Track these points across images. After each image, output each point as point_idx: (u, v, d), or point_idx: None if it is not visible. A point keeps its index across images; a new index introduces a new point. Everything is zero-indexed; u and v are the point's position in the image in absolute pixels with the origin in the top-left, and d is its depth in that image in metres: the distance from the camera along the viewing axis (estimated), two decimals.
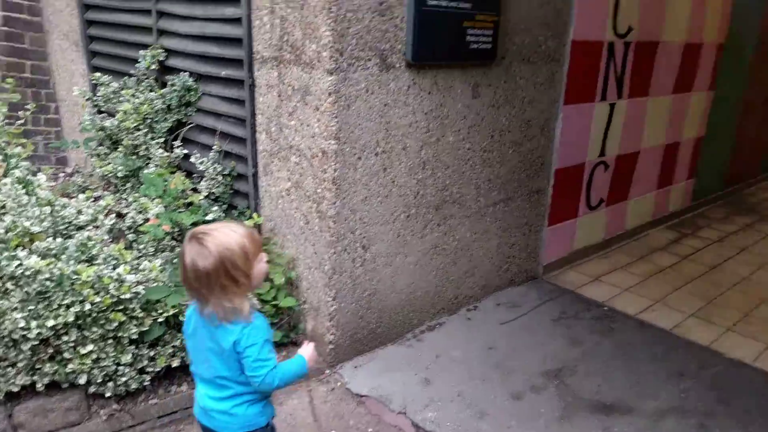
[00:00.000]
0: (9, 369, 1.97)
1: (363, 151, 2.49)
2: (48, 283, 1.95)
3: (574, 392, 2.60)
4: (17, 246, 1.98)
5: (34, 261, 1.93)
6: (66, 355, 2.04)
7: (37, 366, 2.02)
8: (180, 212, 2.58)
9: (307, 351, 1.71)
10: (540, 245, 3.63)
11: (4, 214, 2.07)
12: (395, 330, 2.89)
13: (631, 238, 4.47)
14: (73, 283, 1.97)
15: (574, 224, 3.84)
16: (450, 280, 3.10)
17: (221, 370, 1.57)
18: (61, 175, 3.93)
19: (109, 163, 2.95)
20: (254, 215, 2.75)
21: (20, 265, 1.91)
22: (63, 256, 2.08)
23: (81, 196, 2.50)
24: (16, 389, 2.00)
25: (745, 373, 2.82)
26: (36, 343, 1.97)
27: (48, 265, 1.94)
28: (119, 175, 2.93)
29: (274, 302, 2.55)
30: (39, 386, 2.03)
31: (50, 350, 2.03)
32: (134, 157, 2.93)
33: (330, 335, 2.61)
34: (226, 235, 1.50)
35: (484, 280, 3.32)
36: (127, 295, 2.07)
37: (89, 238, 2.16)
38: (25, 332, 1.93)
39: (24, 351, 1.96)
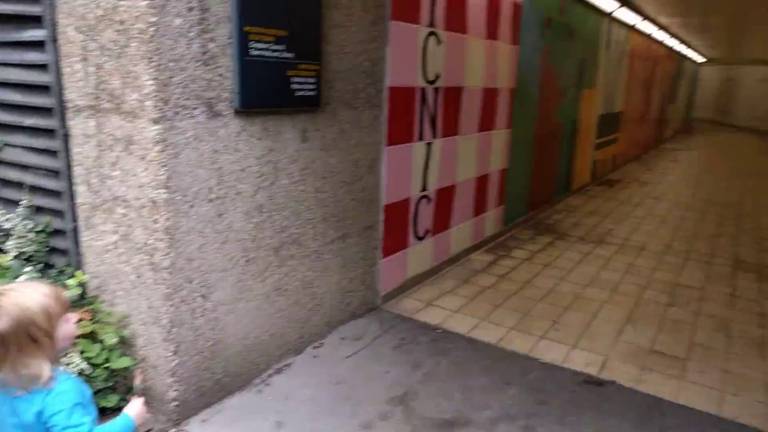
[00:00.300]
0: None
1: (195, 199, 2.46)
2: None
3: (419, 414, 2.76)
4: None
5: None
6: None
7: None
8: None
9: (133, 408, 1.64)
10: (377, 277, 3.83)
11: None
12: (242, 377, 2.83)
13: (455, 263, 4.89)
14: None
15: (405, 255, 4.12)
16: (294, 321, 3.13)
17: None
18: None
19: None
20: (77, 273, 2.54)
21: None
22: None
23: None
24: None
25: (557, 374, 3.23)
26: None
27: None
28: None
29: (106, 365, 2.36)
30: None
31: None
32: None
33: (173, 392, 2.48)
34: (24, 295, 1.42)
35: (328, 316, 3.40)
36: None
37: None
38: None
39: None
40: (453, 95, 4.43)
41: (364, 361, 3.18)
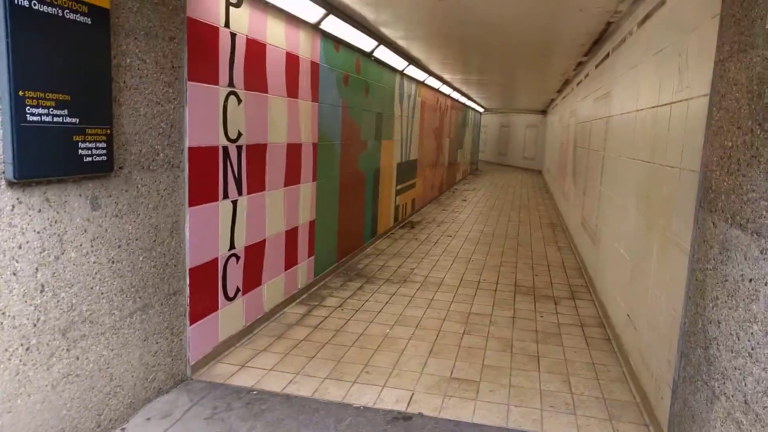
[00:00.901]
0: None
1: None
2: None
3: None
4: None
5: None
6: None
7: None
8: None
9: None
10: (184, 346, 3.63)
11: None
12: None
13: (269, 319, 4.85)
14: None
15: (215, 318, 3.98)
16: (89, 409, 2.82)
17: None
18: None
19: None
20: None
21: None
22: None
23: None
24: None
25: (369, 416, 3.36)
26: None
27: None
28: None
29: None
30: None
31: None
32: None
33: None
34: None
35: (130, 396, 3.13)
36: None
37: None
38: None
39: None
40: (257, 152, 4.47)
41: None
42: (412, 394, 3.67)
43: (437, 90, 12.63)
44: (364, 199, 7.60)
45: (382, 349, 4.39)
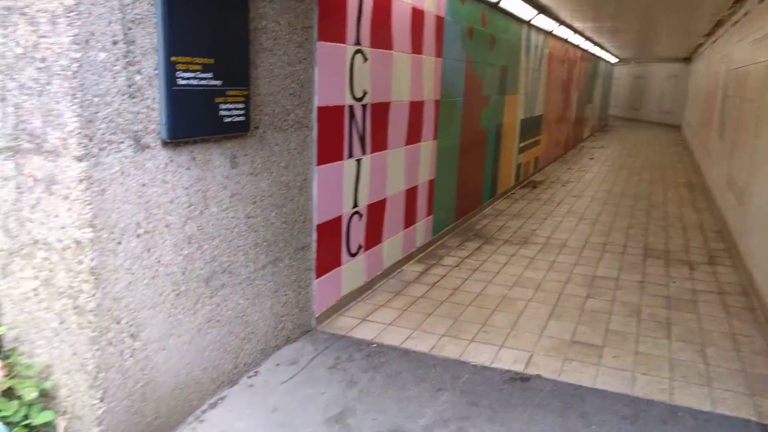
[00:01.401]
0: None
1: (123, 235, 2.37)
2: None
3: (357, 431, 2.81)
4: None
5: None
6: None
7: None
8: None
9: None
10: (311, 298, 3.83)
11: None
12: (175, 417, 2.76)
13: (388, 276, 4.97)
14: None
15: (339, 273, 4.14)
16: (228, 351, 3.08)
17: None
18: None
19: None
20: None
21: None
22: None
23: None
24: None
25: (487, 375, 3.37)
26: None
27: None
28: None
29: (26, 422, 2.23)
30: None
31: None
32: None
33: None
34: None
35: (262, 343, 3.37)
36: None
37: None
38: None
39: None
40: (380, 111, 4.48)
41: (300, 385, 3.19)
42: (531, 355, 3.62)
43: (566, 40, 11.85)
44: (484, 157, 7.42)
45: (500, 309, 4.35)
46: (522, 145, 9.38)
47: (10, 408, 2.23)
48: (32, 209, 2.28)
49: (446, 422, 2.89)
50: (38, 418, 2.25)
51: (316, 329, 3.90)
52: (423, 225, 5.64)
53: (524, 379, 3.34)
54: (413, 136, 5.14)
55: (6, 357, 2.40)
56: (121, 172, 2.33)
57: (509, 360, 3.56)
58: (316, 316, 3.90)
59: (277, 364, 3.40)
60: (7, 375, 2.31)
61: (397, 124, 4.79)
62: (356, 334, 3.86)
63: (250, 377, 3.25)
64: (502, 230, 6.75)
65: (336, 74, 3.81)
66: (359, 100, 4.14)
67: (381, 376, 3.33)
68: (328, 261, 3.98)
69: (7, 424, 2.19)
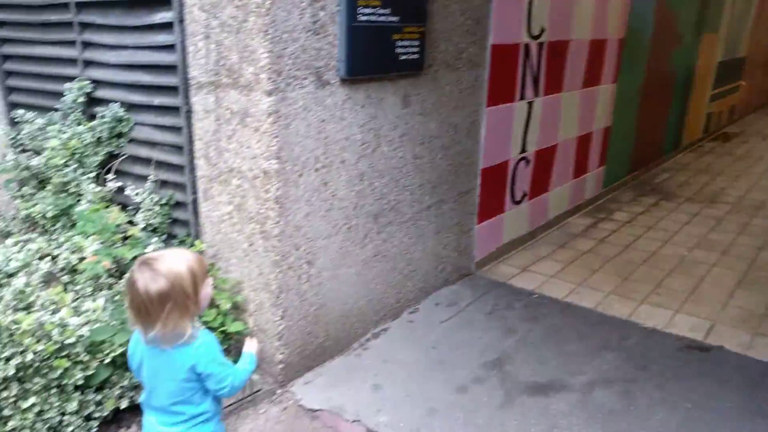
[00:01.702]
0: None
1: (304, 168, 2.51)
2: None
3: (513, 378, 2.78)
4: None
5: None
6: (5, 412, 1.94)
7: None
8: (118, 247, 2.49)
9: (252, 346, 1.83)
10: (472, 243, 3.80)
11: None
12: (343, 341, 2.95)
13: (553, 227, 4.75)
14: (12, 334, 1.87)
15: (501, 220, 4.05)
16: (391, 286, 3.19)
17: (174, 396, 1.62)
18: None
19: (36, 204, 2.78)
20: (196, 243, 2.70)
21: None
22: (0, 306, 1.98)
23: (9, 242, 2.35)
24: None
25: (658, 339, 3.12)
26: None
27: None
28: (48, 215, 2.76)
29: (222, 328, 2.53)
30: None
31: None
32: (64, 194, 2.77)
33: (279, 354, 2.63)
34: (175, 260, 1.56)
35: (423, 282, 3.44)
36: (71, 340, 1.99)
37: (27, 285, 2.06)
38: None
39: None
40: (557, 49, 4.17)
41: (458, 327, 3.22)
42: (713, 324, 3.27)
43: None
44: (669, 105, 6.66)
45: (677, 271, 3.97)
46: (715, 91, 8.24)
47: (210, 314, 2.53)
48: (228, 140, 2.50)
49: (610, 383, 2.74)
50: (231, 327, 2.53)
51: (475, 274, 3.88)
52: (594, 176, 5.27)
53: (703, 349, 3.03)
54: (591, 78, 4.74)
55: (207, 271, 2.71)
56: (304, 107, 2.45)
57: (686, 326, 3.25)
58: (476, 261, 3.87)
59: (437, 304, 3.46)
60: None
61: (575, 64, 4.44)
62: (516, 283, 3.78)
63: (410, 313, 3.35)
64: (684, 186, 6.09)
65: (513, 10, 3.59)
66: (536, 38, 3.88)
67: (540, 328, 3.24)
68: (490, 207, 3.89)
69: (209, 329, 2.49)
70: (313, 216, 2.61)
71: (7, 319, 1.88)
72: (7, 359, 1.88)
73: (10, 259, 2.25)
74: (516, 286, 3.73)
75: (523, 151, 4.10)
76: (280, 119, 2.35)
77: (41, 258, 2.43)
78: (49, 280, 2.38)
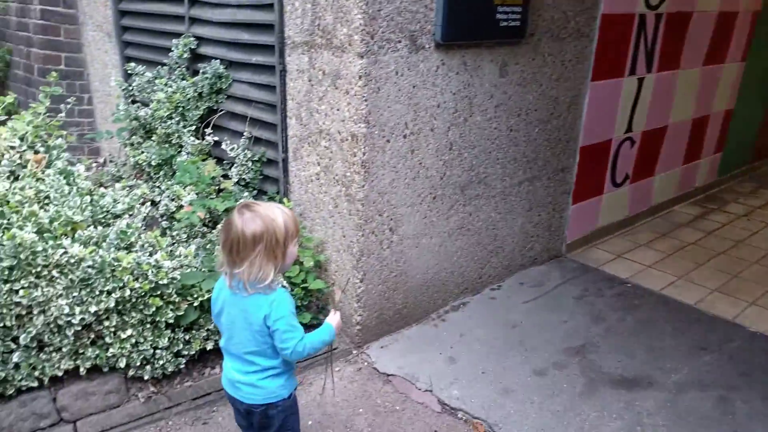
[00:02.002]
0: (53, 354, 2.05)
1: (392, 134, 2.49)
2: (90, 270, 2.01)
3: (597, 368, 2.64)
4: (62, 235, 2.03)
5: (77, 249, 1.99)
6: (107, 339, 2.11)
7: (80, 350, 2.10)
8: (212, 199, 2.61)
9: (334, 319, 1.79)
10: (564, 224, 3.63)
11: (47, 204, 2.12)
12: (420, 310, 2.94)
13: (655, 214, 4.43)
14: (113, 270, 2.03)
15: (598, 202, 3.82)
16: (474, 260, 3.13)
17: (249, 345, 1.66)
18: (94, 165, 3.99)
19: (143, 152, 2.97)
20: (284, 200, 2.78)
21: (65, 253, 1.97)
22: (104, 244, 2.14)
23: (117, 186, 2.54)
24: (60, 374, 2.08)
25: (766, 346, 2.84)
26: (79, 328, 2.05)
27: (90, 252, 2.00)
28: (153, 163, 2.96)
29: (303, 285, 2.60)
30: (81, 370, 2.12)
31: (92, 335, 2.10)
32: (167, 145, 2.94)
33: (357, 316, 2.66)
34: (274, 210, 1.62)
35: (508, 259, 3.34)
36: (164, 281, 2.13)
37: (128, 226, 2.21)
38: (69, 318, 2.00)
39: (68, 336, 2.04)
40: (678, 22, 3.82)
41: (542, 309, 3.10)
42: None
43: None
44: None
45: None
46: None
47: (294, 271, 2.60)
48: (320, 101, 2.52)
49: (705, 386, 2.53)
50: (312, 284, 2.59)
51: (565, 256, 3.71)
52: (707, 163, 4.84)
53: None
54: (714, 54, 4.31)
55: (297, 231, 2.78)
56: (396, 71, 2.41)
57: None
58: (567, 243, 3.70)
59: (521, 283, 3.35)
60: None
61: (697, 38, 4.06)
62: (609, 269, 3.58)
63: (492, 290, 3.27)
64: None
65: None
66: (654, 8, 3.57)
67: (632, 319, 3.04)
68: (587, 187, 3.68)
69: (290, 283, 2.57)
70: (398, 183, 2.59)
71: (109, 257, 2.03)
72: (109, 292, 2.04)
73: (117, 202, 2.42)
74: (608, 273, 3.53)
75: (629, 130, 3.83)
76: (370, 82, 2.34)
77: (144, 203, 2.60)
78: (150, 224, 2.55)
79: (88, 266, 2.00)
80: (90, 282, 2.03)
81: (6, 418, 2.04)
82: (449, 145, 2.75)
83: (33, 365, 2.03)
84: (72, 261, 1.98)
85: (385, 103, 2.41)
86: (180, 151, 2.92)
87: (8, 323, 1.93)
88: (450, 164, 2.80)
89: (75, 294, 2.01)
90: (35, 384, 2.06)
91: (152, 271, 2.11)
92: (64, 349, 2.06)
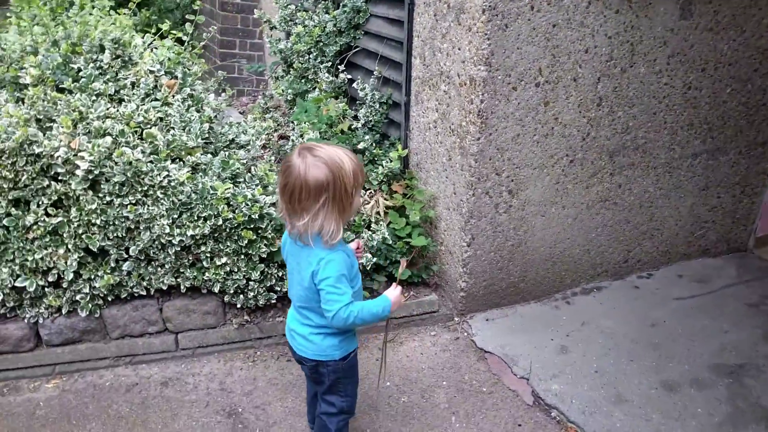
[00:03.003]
0: (159, 268, 2.20)
1: (520, 81, 2.14)
2: (192, 195, 2.08)
3: (752, 398, 2.09)
4: (169, 158, 2.13)
5: (179, 173, 2.07)
6: (204, 263, 2.20)
7: (181, 270, 2.22)
8: (328, 139, 2.55)
9: (393, 293, 1.60)
10: (755, 211, 2.90)
11: (170, 128, 2.24)
12: (541, 287, 2.59)
13: None
14: (211, 198, 2.08)
15: None
16: (619, 241, 2.65)
17: (301, 300, 1.57)
18: (244, 97, 4.22)
19: (280, 86, 3.00)
20: (398, 147, 2.59)
21: (168, 176, 2.06)
22: (210, 172, 2.20)
23: (249, 117, 2.59)
24: (164, 287, 2.23)
25: None
26: (179, 249, 2.16)
27: (189, 178, 2.07)
28: (288, 98, 2.97)
29: (407, 239, 2.43)
30: (182, 288, 2.24)
31: (191, 257, 2.20)
32: (303, 80, 2.92)
33: (462, 282, 2.43)
34: (341, 154, 1.44)
35: (666, 245, 2.78)
36: (257, 215, 2.12)
37: (229, 156, 2.24)
38: (170, 238, 2.11)
39: (170, 254, 2.16)
40: None
41: (698, 311, 2.54)
42: None
43: None
44: None
45: None
46: None
47: (400, 223, 2.45)
48: (442, 38, 2.25)
49: None
50: (416, 240, 2.41)
51: (750, 251, 2.99)
52: None
53: None
54: None
55: (408, 178, 2.60)
56: (531, 5, 2.04)
57: None
58: (757, 236, 2.96)
59: (679, 276, 2.78)
60: (404, 194, 2.52)
61: None
62: None
63: (639, 278, 2.76)
64: None
65: None
66: None
67: None
68: None
69: (394, 236, 2.41)
70: (524, 139, 2.25)
71: (208, 184, 2.08)
72: (205, 219, 2.10)
73: (243, 132, 2.48)
74: None
75: None
76: (495, 18, 2.00)
77: (268, 136, 2.62)
78: (281, 158, 2.56)
79: (190, 191, 2.07)
80: (191, 206, 2.11)
81: (122, 318, 2.26)
82: (597, 100, 2.30)
83: (142, 276, 2.20)
84: (174, 184, 2.06)
85: (513, 43, 2.07)
86: (315, 87, 2.86)
87: (120, 234, 2.10)
88: (597, 123, 2.35)
89: (175, 216, 2.10)
90: (144, 293, 2.24)
91: (247, 204, 2.11)
92: (166, 266, 2.19)
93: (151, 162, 2.07)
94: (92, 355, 2.28)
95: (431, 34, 2.32)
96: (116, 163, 2.01)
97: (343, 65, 2.91)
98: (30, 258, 2.07)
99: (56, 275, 2.12)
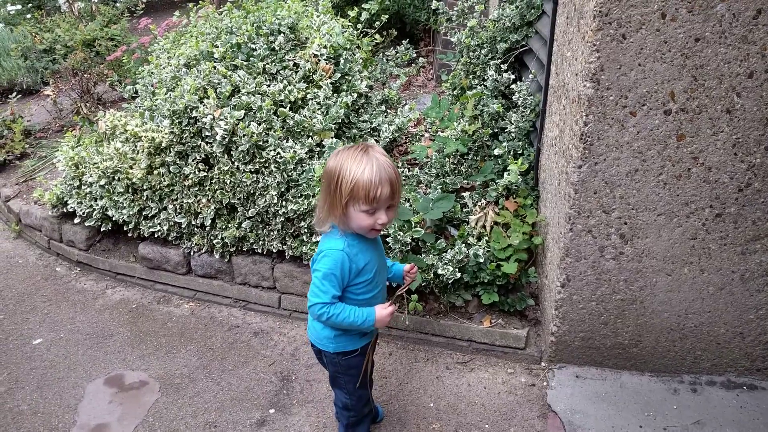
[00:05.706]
0: (271, 233, 2.48)
1: (641, 104, 1.73)
2: (295, 174, 2.29)
3: None
4: (289, 137, 2.37)
5: (287, 153, 2.29)
6: (303, 238, 2.40)
7: (286, 239, 2.46)
8: (447, 138, 2.45)
9: (382, 311, 1.57)
10: None
11: (299, 109, 2.44)
12: (664, 360, 2.08)
13: None
14: (310, 179, 2.25)
15: None
16: None
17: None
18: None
19: (448, 80, 2.94)
20: (518, 160, 2.30)
21: (278, 153, 2.31)
22: (326, 155, 2.38)
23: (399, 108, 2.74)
24: (274, 250, 2.51)
25: None
26: (283, 219, 2.40)
27: (292, 158, 2.28)
28: (454, 92, 2.90)
29: (499, 263, 2.19)
30: (287, 255, 2.49)
31: (292, 229, 2.43)
32: (471, 76, 2.80)
33: (553, 326, 2.11)
34: (363, 161, 1.44)
35: None
36: None
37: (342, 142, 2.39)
38: (277, 208, 2.37)
39: (278, 223, 2.42)
40: None
41: None
42: None
43: None
44: None
45: None
46: None
47: (501, 243, 2.22)
48: (568, 45, 1.94)
49: None
50: (507, 267, 2.17)
51: None
52: None
53: None
54: None
55: (523, 195, 2.33)
56: (661, 13, 1.61)
57: None
58: None
59: None
60: (514, 212, 2.28)
61: None
62: None
63: None
64: None
65: None
66: None
67: None
68: None
69: (496, 258, 2.21)
70: (644, 177, 1.82)
71: (311, 167, 2.26)
72: (306, 197, 2.30)
73: (390, 123, 2.60)
74: None
75: None
76: (608, 26, 1.65)
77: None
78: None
79: (295, 170, 2.28)
80: (298, 184, 2.32)
81: (244, 267, 2.65)
82: (766, 142, 1.71)
83: (258, 236, 2.53)
84: (283, 161, 2.30)
85: (633, 58, 1.68)
86: (479, 84, 2.71)
87: (244, 196, 2.44)
88: (764, 172, 1.75)
89: (283, 190, 2.34)
90: (260, 251, 2.57)
91: None
92: (274, 232, 2.47)
93: (268, 138, 2.34)
94: (220, 292, 2.74)
95: (564, 39, 2.02)
96: (242, 136, 2.33)
97: (505, 64, 2.70)
98: (185, 201, 2.57)
99: (201, 220, 2.59)
